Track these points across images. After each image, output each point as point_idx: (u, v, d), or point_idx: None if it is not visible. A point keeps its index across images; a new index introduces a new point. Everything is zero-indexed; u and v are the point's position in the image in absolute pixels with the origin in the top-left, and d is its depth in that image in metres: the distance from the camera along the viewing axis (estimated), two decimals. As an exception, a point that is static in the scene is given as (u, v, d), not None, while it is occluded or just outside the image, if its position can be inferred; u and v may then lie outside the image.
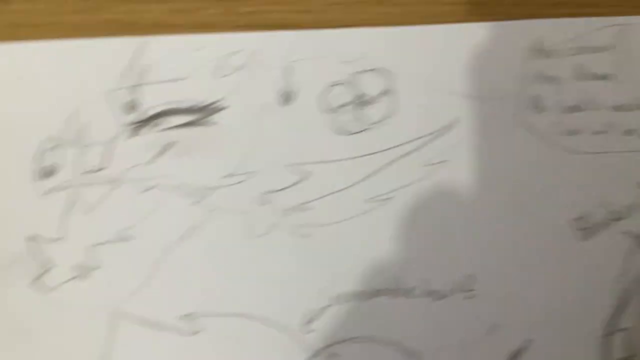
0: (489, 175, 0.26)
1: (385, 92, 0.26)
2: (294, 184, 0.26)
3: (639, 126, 0.27)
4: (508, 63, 0.27)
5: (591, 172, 0.26)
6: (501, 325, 0.25)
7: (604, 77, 0.27)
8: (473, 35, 0.26)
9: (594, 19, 0.27)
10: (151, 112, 0.26)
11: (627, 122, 0.27)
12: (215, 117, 0.26)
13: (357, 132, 0.26)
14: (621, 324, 0.25)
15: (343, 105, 0.26)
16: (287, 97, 0.26)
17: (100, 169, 0.25)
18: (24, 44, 0.26)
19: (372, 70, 0.26)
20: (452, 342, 0.25)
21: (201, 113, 0.26)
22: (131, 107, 0.26)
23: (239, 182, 0.26)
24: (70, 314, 0.25)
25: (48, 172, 0.25)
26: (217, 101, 0.26)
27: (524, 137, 0.26)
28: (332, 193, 0.26)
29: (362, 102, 0.26)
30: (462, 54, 0.27)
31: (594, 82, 0.27)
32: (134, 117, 0.26)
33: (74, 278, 0.25)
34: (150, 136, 0.26)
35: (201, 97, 0.26)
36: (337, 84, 0.26)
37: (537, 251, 0.25)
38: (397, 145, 0.26)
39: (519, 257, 0.25)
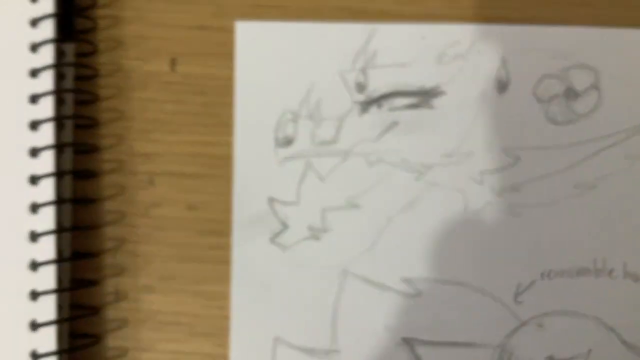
0: None
1: (592, 87, 0.29)
2: (507, 166, 0.28)
3: None
4: None
5: None
6: None
7: None
8: None
9: None
10: (378, 93, 0.29)
11: None
12: (435, 101, 0.29)
13: (565, 123, 0.29)
14: None
15: (553, 97, 0.29)
16: (502, 86, 0.29)
17: (332, 142, 0.28)
18: (267, 23, 0.29)
19: (580, 66, 0.29)
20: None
21: (423, 96, 0.29)
22: (361, 87, 0.29)
23: (457, 162, 0.28)
24: (303, 270, 0.27)
25: (287, 142, 0.28)
26: (438, 86, 0.29)
27: None
28: (542, 177, 0.28)
29: (570, 95, 0.29)
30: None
31: None
32: (363, 96, 0.29)
33: (307, 238, 0.28)
34: (377, 115, 0.28)
35: (423, 82, 0.29)
36: (548, 77, 0.29)
37: None
38: (602, 137, 0.28)
39: None
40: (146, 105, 0.28)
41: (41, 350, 0.24)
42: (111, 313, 0.27)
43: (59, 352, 0.24)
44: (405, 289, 0.27)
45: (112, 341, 0.27)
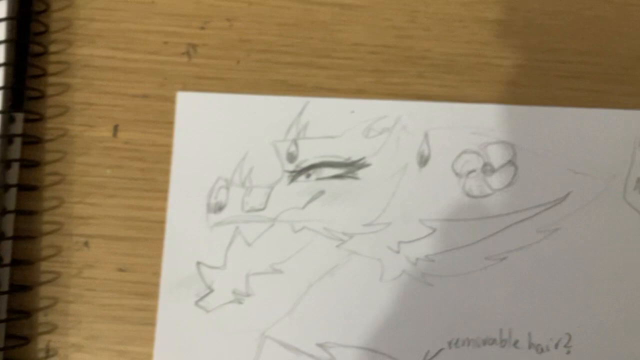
0: (595, 245, 0.30)
1: (509, 163, 0.31)
2: (424, 236, 0.30)
3: None
4: (619, 147, 0.31)
5: None
6: None
7: None
8: (589, 119, 0.31)
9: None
10: (307, 163, 0.31)
11: None
12: (361, 172, 0.31)
13: (481, 197, 0.31)
14: None
15: (471, 172, 0.31)
16: (423, 160, 0.31)
17: (261, 209, 0.30)
18: (207, 94, 0.31)
19: (499, 142, 0.31)
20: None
21: (349, 167, 0.31)
22: (292, 157, 0.31)
23: (376, 231, 0.30)
24: (225, 334, 0.30)
25: (219, 208, 0.30)
26: (363, 158, 0.31)
27: (630, 216, 0.30)
28: (455, 248, 0.30)
29: (487, 170, 0.31)
30: (578, 134, 0.31)
31: None
32: (293, 166, 0.31)
33: (230, 302, 0.30)
34: (305, 184, 0.31)
35: (350, 154, 0.31)
36: (467, 152, 0.31)
37: (634, 319, 0.29)
38: (515, 212, 0.30)
39: (614, 321, 0.29)
40: (87, 170, 0.30)
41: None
42: None
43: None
44: (319, 353, 0.29)
45: None
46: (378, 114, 0.31)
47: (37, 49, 0.31)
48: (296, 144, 0.31)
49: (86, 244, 0.30)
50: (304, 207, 0.31)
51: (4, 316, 0.28)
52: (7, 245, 0.29)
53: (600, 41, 0.32)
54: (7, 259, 0.29)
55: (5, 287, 0.28)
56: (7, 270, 0.29)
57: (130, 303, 0.30)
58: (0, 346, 0.28)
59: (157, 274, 0.30)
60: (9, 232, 0.29)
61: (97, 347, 0.29)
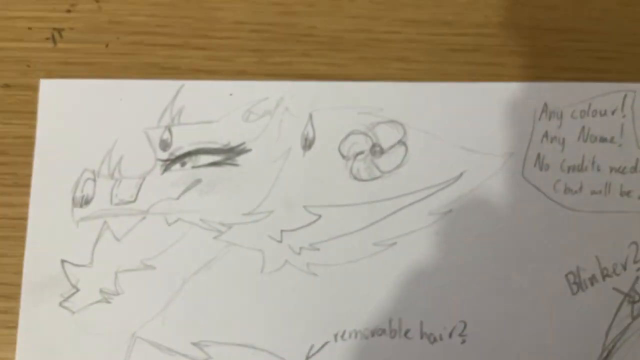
0: (491, 226, 0.32)
1: (399, 143, 0.32)
2: (308, 224, 0.32)
3: (635, 188, 0.32)
4: (517, 122, 0.32)
5: (587, 230, 0.32)
6: None
7: (605, 140, 0.32)
8: (485, 94, 0.32)
9: (601, 84, 0.33)
10: (182, 151, 0.32)
11: (624, 184, 0.32)
12: (240, 158, 0.32)
13: (369, 179, 0.32)
14: None
15: (358, 154, 0.32)
16: (308, 144, 0.32)
17: (131, 201, 0.32)
18: (73, 80, 0.32)
19: (387, 122, 0.33)
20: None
21: (227, 154, 0.32)
22: (165, 145, 0.32)
23: (257, 221, 0.32)
24: (92, 335, 0.31)
25: (85, 201, 0.32)
26: (243, 143, 0.32)
27: (527, 193, 0.32)
28: (342, 235, 0.32)
29: (376, 151, 0.32)
30: (473, 111, 0.33)
31: (596, 144, 0.32)
32: (166, 154, 0.32)
33: (98, 302, 0.31)
34: (180, 173, 0.32)
35: (229, 139, 0.32)
36: (354, 133, 0.33)
37: (530, 302, 0.31)
38: (406, 194, 0.32)
39: (511, 307, 0.31)
40: None
41: None
42: None
43: None
44: (194, 353, 0.30)
45: None
46: (258, 96, 0.33)
47: None
48: (170, 131, 0.33)
49: None
50: (178, 198, 0.32)
51: None
52: None
53: (497, 12, 0.34)
54: None
55: None
56: None
57: None
58: None
59: (19, 273, 0.31)
60: None
61: None
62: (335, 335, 0.32)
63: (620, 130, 0.33)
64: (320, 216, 0.33)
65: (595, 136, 0.34)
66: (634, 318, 0.32)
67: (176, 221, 0.33)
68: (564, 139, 0.33)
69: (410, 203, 0.33)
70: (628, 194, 0.33)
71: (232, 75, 0.34)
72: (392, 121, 0.34)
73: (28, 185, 0.33)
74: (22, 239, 0.32)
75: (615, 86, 0.34)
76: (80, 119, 0.33)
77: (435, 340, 0.32)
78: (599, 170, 0.33)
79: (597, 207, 0.33)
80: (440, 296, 0.32)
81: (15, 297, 0.32)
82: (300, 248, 0.33)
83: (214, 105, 0.34)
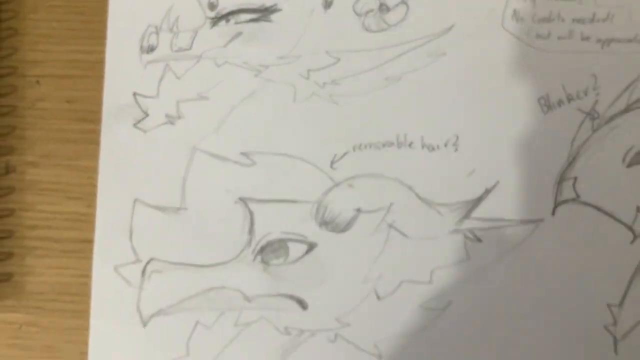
0: (477, 68, 0.43)
1: (401, 3, 0.44)
2: (329, 65, 0.43)
3: (592, 34, 0.44)
4: None
5: (555, 66, 0.43)
6: (477, 170, 0.42)
7: None
8: None
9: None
10: (226, 11, 0.44)
11: (583, 31, 0.44)
12: (273, 16, 0.44)
13: (378, 31, 0.44)
14: (570, 175, 0.42)
15: (369, 11, 0.44)
16: (327, 4, 0.44)
17: (187, 49, 0.43)
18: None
19: (391, -13, 0.44)
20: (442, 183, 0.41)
21: (263, 12, 0.44)
22: (212, 6, 0.44)
23: (289, 63, 0.43)
24: (160, 148, 0.42)
25: (150, 49, 0.43)
26: (275, 4, 0.44)
27: (508, 41, 0.44)
28: (357, 73, 0.43)
29: (383, 9, 0.44)
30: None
31: (560, 1, 0.44)
32: (214, 13, 0.44)
33: (164, 124, 0.43)
34: (225, 28, 0.44)
35: (263, 1, 0.44)
36: (364, -4, 0.44)
37: (509, 120, 0.42)
38: (408, 42, 0.44)
39: (494, 122, 0.42)
40: (37, 24, 0.43)
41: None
42: (2, 183, 0.42)
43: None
44: (243, 160, 0.42)
45: (1, 204, 0.41)
46: (287, -32, 0.45)
47: None
48: (217, -5, 0.45)
49: (38, 82, 0.43)
50: (225, 46, 0.44)
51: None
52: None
53: None
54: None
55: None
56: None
57: (77, 127, 0.43)
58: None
59: (99, 104, 0.43)
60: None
61: (49, 164, 0.42)
62: (354, 147, 0.43)
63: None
64: (339, 59, 0.45)
65: (562, -1, 0.45)
66: (594, 131, 0.44)
67: (224, 64, 0.45)
68: None
69: (411, 48, 0.45)
70: (587, 39, 0.45)
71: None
72: (395, -13, 0.45)
73: (103, 37, 0.45)
74: (100, 78, 0.44)
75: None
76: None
77: (433, 149, 0.43)
78: (563, 21, 0.45)
79: (563, 48, 0.45)
80: (437, 115, 0.43)
81: (97, 121, 0.43)
82: (324, 83, 0.44)
83: (251, -24, 0.46)
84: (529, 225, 0.42)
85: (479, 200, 0.42)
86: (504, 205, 0.42)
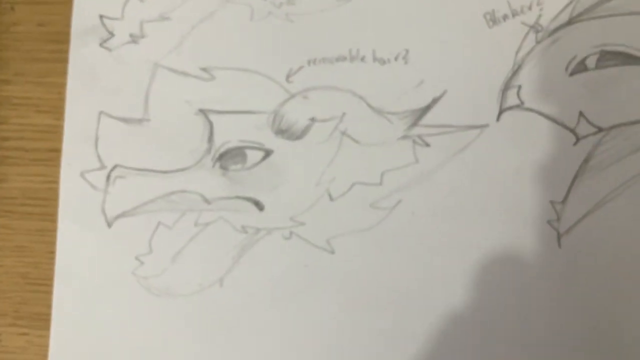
0: None
1: None
2: None
3: None
4: None
5: None
6: (425, 80, 0.44)
7: None
8: None
9: None
10: None
11: None
12: None
13: None
14: (514, 83, 0.44)
15: None
16: None
17: None
18: None
19: None
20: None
21: None
22: None
23: None
24: (124, 65, 0.45)
25: None
26: None
27: None
28: None
29: None
30: None
31: None
32: None
33: (128, 42, 0.45)
34: None
35: None
36: None
37: (456, 41, 0.44)
38: None
39: (446, 35, 0.44)
40: None
41: None
42: None
43: None
44: (202, 75, 0.44)
45: None
46: None
47: None
48: None
49: (12, 8, 0.46)
50: None
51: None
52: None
53: None
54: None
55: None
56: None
57: (48, 47, 0.45)
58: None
59: (69, 26, 0.45)
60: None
61: (21, 81, 0.45)
62: (309, 61, 0.45)
63: None
64: (295, -19, 0.47)
65: None
66: (537, 42, 0.46)
67: (185, -12, 0.47)
68: None
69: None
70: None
71: None
72: None
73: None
74: (70, 3, 0.46)
75: None
76: None
77: (384, 62, 0.45)
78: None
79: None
80: (388, 30, 0.45)
81: (66, 41, 0.46)
82: (280, 3, 0.47)
83: None
84: (474, 130, 0.44)
85: (427, 109, 0.44)
86: (451, 113, 0.44)
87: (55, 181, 0.43)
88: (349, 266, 0.42)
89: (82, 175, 0.44)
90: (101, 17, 0.46)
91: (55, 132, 0.44)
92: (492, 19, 0.46)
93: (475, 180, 0.43)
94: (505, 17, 0.46)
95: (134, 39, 0.46)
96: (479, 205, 0.43)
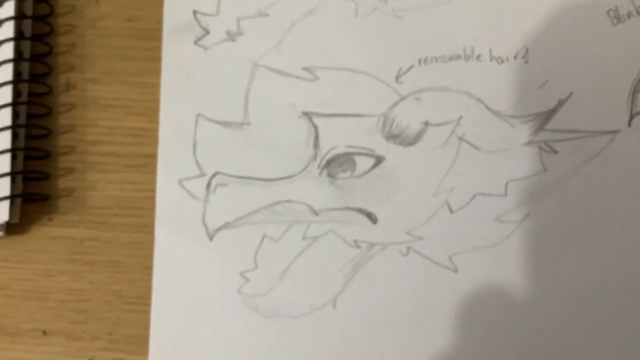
0: None
1: None
2: None
3: None
4: None
5: None
6: (549, 81, 0.39)
7: None
8: None
9: None
10: None
11: None
12: None
13: None
14: None
15: None
16: None
17: None
18: None
19: None
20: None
21: None
22: None
23: None
24: (221, 64, 0.40)
25: None
26: None
27: None
28: None
29: None
30: None
31: None
32: None
33: (225, 40, 0.40)
34: None
35: None
36: None
37: (578, 39, 0.39)
38: None
39: (567, 33, 0.39)
40: None
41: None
42: (63, 99, 0.39)
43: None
44: (305, 75, 0.39)
45: (63, 120, 0.39)
46: None
47: None
48: None
49: (97, 1, 0.41)
50: None
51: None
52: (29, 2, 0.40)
53: None
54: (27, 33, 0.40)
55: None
56: (27, 43, 0.39)
57: (138, 45, 0.40)
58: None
59: (159, 22, 0.40)
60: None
61: (110, 80, 0.40)
62: (419, 60, 0.41)
63: None
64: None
65: None
66: None
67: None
68: None
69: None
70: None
71: None
72: None
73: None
74: None
75: None
76: None
77: (502, 62, 0.40)
78: None
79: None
80: (506, 26, 0.40)
81: (158, 38, 0.41)
82: None
83: None
84: (605, 136, 0.39)
85: (552, 112, 0.39)
86: (579, 116, 0.40)
87: (151, 189, 0.38)
88: (473, 286, 0.37)
89: (180, 183, 0.39)
90: (195, 12, 0.42)
91: (148, 136, 0.39)
92: (616, 17, 0.41)
93: (610, 190, 0.38)
94: (629, 14, 0.41)
95: (230, 36, 0.41)
96: (611, 217, 0.38)
